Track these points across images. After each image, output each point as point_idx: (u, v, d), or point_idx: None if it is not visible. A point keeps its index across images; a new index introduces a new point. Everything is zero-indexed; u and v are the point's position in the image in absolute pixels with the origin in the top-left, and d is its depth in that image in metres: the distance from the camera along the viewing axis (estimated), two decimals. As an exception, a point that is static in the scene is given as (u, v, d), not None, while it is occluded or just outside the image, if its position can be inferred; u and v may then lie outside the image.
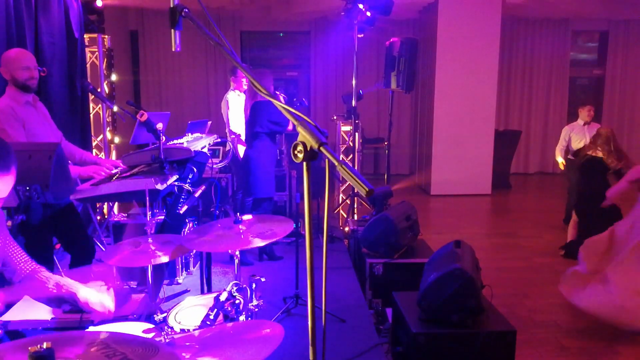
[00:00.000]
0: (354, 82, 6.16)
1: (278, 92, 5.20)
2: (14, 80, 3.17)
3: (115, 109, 4.35)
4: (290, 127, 4.94)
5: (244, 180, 5.04)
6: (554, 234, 5.90)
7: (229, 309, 2.24)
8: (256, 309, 2.38)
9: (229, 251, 2.64)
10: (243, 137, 5.53)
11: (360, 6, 5.70)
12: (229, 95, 5.70)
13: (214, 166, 4.61)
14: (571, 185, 6.51)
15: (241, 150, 5.59)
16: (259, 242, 2.43)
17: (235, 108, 5.58)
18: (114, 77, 6.31)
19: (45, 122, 3.36)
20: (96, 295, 2.03)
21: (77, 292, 2.01)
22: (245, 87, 5.72)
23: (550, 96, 10.97)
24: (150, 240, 2.48)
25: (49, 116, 3.49)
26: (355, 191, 6.20)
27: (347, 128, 6.67)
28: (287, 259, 5.08)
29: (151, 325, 2.11)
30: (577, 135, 6.58)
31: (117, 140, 6.31)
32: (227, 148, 5.64)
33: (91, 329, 2.05)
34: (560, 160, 6.73)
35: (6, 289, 2.05)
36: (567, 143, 6.66)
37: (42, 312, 2.34)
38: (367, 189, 1.11)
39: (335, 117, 7.06)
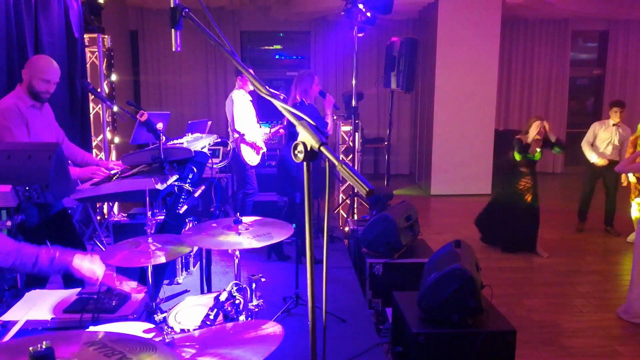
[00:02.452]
0: (354, 82, 6.16)
1: (328, 94, 5.15)
2: (29, 85, 3.16)
3: (115, 109, 4.35)
4: (329, 130, 4.98)
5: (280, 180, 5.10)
6: (554, 233, 5.91)
7: (229, 309, 2.24)
8: (256, 309, 2.38)
9: (229, 250, 2.64)
10: (247, 137, 5.51)
11: (360, 6, 5.70)
12: (234, 94, 5.67)
13: (214, 166, 4.61)
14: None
15: (244, 150, 5.56)
16: (255, 244, 2.43)
17: (240, 107, 5.55)
18: (114, 77, 6.30)
19: (48, 125, 3.37)
20: (88, 263, 2.21)
21: (71, 261, 2.17)
22: (251, 87, 5.70)
23: (550, 96, 10.97)
24: (150, 240, 2.48)
25: (54, 119, 3.49)
26: (355, 191, 6.20)
27: (347, 128, 6.67)
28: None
29: (151, 325, 2.11)
30: (603, 134, 6.50)
31: (117, 140, 6.31)
32: (228, 148, 5.63)
33: (91, 328, 2.05)
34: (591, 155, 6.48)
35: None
36: (593, 140, 6.58)
37: (42, 312, 2.34)
38: (367, 189, 1.11)
39: (335, 117, 7.05)
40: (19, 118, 3.09)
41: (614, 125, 6.43)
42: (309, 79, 4.86)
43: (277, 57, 11.25)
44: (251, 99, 5.65)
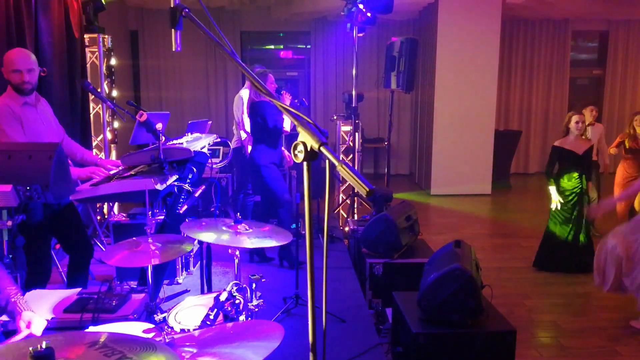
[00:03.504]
0: (354, 82, 6.16)
1: (284, 92, 5.13)
2: (9, 81, 3.14)
3: (114, 109, 4.35)
4: (287, 128, 4.91)
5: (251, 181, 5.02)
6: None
7: (229, 309, 2.24)
8: (256, 309, 2.38)
9: (229, 251, 2.64)
10: None
11: (361, 6, 5.70)
12: (243, 93, 5.62)
13: (214, 166, 4.61)
14: None
15: (250, 150, 5.56)
16: (249, 244, 2.43)
17: None
18: (113, 77, 6.29)
19: (46, 122, 3.31)
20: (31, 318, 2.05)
21: (21, 314, 2.04)
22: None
23: (550, 96, 10.97)
24: (150, 240, 2.48)
25: (52, 115, 3.43)
26: (355, 191, 6.20)
27: (347, 128, 6.67)
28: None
29: (151, 325, 2.11)
30: None
31: (117, 140, 6.30)
32: (232, 146, 5.62)
33: (91, 329, 2.05)
34: None
35: None
36: None
37: (42, 312, 2.34)
38: (367, 189, 1.11)
39: (335, 117, 7.05)
40: (11, 117, 3.06)
41: (588, 125, 6.46)
42: (263, 78, 4.85)
43: (277, 57, 11.25)
44: None
